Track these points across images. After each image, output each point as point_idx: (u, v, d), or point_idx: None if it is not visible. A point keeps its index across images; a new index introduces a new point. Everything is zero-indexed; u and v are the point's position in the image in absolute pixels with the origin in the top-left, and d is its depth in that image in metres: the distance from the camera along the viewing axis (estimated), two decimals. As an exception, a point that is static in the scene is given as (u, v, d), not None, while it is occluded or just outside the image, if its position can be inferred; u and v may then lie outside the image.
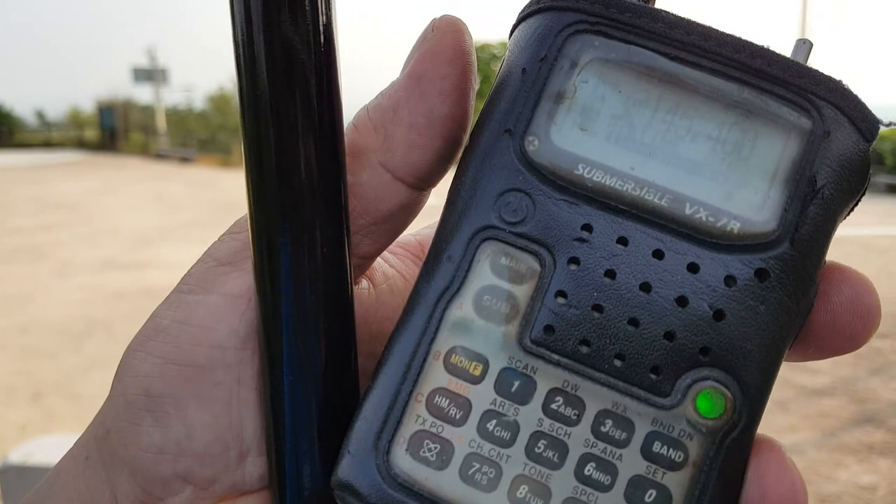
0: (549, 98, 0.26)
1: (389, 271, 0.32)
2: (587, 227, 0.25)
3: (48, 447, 2.22)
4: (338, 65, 0.26)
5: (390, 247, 0.32)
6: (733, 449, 0.24)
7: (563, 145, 0.26)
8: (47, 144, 26.29)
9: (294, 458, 0.27)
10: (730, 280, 0.25)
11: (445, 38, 0.27)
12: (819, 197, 0.25)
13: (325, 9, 0.26)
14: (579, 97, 0.26)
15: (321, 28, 0.25)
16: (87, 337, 4.52)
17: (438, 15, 0.29)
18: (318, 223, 0.26)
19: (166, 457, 0.27)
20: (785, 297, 0.25)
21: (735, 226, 0.25)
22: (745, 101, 0.26)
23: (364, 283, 0.31)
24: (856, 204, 0.27)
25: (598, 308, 0.25)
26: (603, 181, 0.25)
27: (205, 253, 0.29)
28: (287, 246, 0.26)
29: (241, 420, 0.28)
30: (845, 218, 0.27)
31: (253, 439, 0.28)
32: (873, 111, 0.26)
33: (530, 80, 0.26)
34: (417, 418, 0.25)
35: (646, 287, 0.25)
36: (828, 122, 0.25)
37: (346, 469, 0.25)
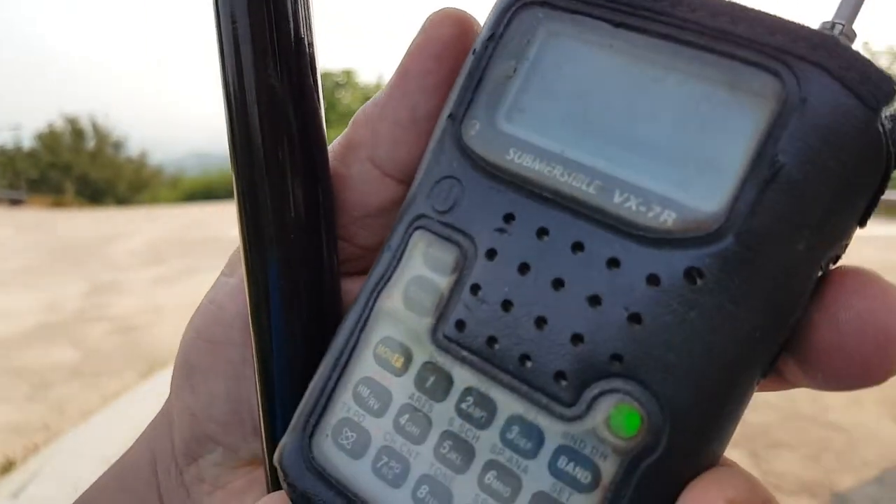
0: (491, 79, 0.25)
1: None
2: (509, 217, 0.23)
3: None
4: (318, 87, 0.28)
5: None
6: (651, 477, 0.21)
7: (501, 128, 0.24)
8: None
9: (278, 434, 0.27)
10: (653, 279, 0.21)
11: (435, 32, 0.27)
12: (781, 179, 0.20)
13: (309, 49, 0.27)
14: (521, 76, 0.24)
15: (305, 75, 0.27)
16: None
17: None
18: (295, 212, 0.27)
19: (197, 419, 0.31)
20: (727, 304, 0.20)
21: (669, 216, 0.21)
22: (699, 67, 0.22)
23: None
24: (876, 190, 0.21)
25: (507, 304, 0.23)
26: (531, 165, 0.23)
27: None
28: (267, 235, 0.27)
29: (250, 397, 0.30)
30: (860, 208, 0.21)
31: None
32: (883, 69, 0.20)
33: (476, 60, 0.25)
34: (343, 406, 0.25)
35: (558, 283, 0.22)
36: (805, 86, 0.20)
37: (281, 448, 0.26)
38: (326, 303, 0.28)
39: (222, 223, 9.22)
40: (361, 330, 0.25)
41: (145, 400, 3.31)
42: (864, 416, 3.11)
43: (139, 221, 10.48)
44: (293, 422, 0.26)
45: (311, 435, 0.25)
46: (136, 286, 5.65)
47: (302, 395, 0.27)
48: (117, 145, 27.25)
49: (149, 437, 0.34)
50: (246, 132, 0.26)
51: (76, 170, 24.55)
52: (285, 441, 0.26)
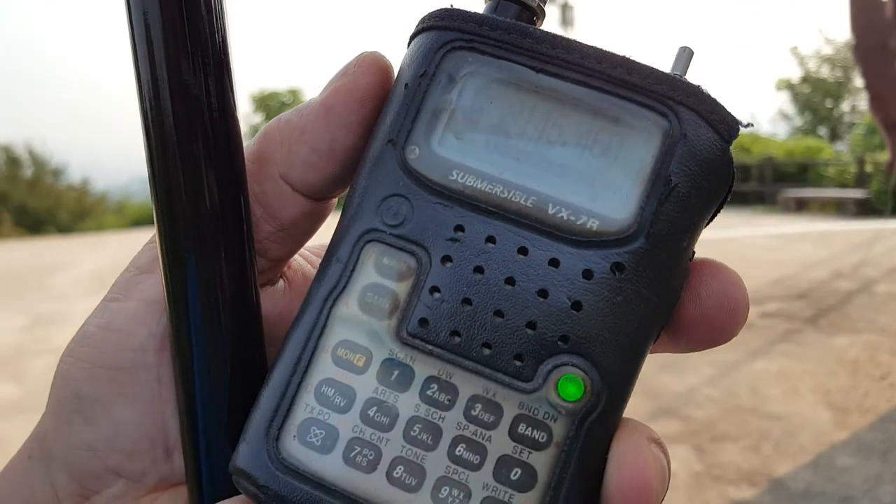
0: (427, 110, 0.29)
1: (311, 272, 0.34)
2: (459, 228, 0.28)
3: None
4: (234, 97, 0.29)
5: (315, 249, 0.35)
6: (594, 430, 0.26)
7: (440, 153, 0.28)
8: None
9: (206, 451, 0.29)
10: (587, 273, 0.27)
11: (363, 78, 0.30)
12: (674, 195, 0.27)
13: (222, 44, 0.28)
14: (455, 109, 0.29)
15: (218, 72, 0.28)
16: None
17: (367, 49, 0.31)
18: (220, 232, 0.29)
19: (97, 453, 0.29)
20: (642, 289, 0.27)
21: (594, 224, 0.27)
22: (606, 107, 0.28)
23: (280, 283, 0.33)
24: (723, 201, 0.29)
25: (467, 301, 0.27)
26: (474, 185, 0.28)
27: (129, 262, 0.31)
28: (191, 254, 0.28)
29: (164, 417, 0.30)
30: (713, 214, 0.29)
31: (177, 434, 0.30)
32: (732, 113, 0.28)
33: (411, 94, 0.29)
34: (306, 407, 0.27)
35: (510, 281, 0.27)
36: (684, 125, 0.27)
37: (242, 456, 0.27)
38: (250, 317, 0.30)
39: (167, 247, 9.03)
40: (319, 336, 0.28)
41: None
42: (800, 404, 3.20)
43: (82, 250, 10.27)
44: (249, 430, 0.28)
45: (277, 438, 0.27)
46: (80, 317, 5.49)
47: (231, 406, 0.29)
48: (56, 173, 26.63)
49: (14, 486, 0.31)
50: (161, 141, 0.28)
51: (13, 199, 23.90)
52: (244, 449, 0.27)
